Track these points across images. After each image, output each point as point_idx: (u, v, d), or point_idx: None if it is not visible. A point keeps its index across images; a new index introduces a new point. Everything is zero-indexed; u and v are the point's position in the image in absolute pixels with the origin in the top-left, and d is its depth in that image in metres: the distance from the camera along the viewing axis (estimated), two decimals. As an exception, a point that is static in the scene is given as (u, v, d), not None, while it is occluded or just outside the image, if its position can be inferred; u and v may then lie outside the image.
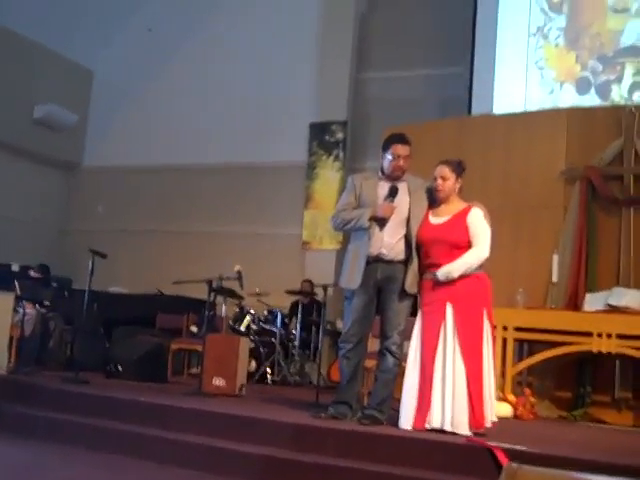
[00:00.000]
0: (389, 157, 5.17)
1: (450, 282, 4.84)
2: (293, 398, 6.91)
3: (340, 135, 12.05)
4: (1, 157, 12.63)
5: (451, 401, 4.70)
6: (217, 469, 4.50)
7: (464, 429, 4.65)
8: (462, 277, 4.84)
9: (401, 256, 5.10)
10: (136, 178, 13.41)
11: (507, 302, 7.21)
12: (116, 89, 13.73)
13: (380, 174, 5.28)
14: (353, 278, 5.11)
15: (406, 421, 4.80)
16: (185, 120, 13.09)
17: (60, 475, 4.31)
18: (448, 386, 4.72)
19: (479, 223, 4.91)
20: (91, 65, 14.05)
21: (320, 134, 12.15)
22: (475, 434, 4.62)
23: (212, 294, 7.32)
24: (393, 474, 4.14)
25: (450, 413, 4.69)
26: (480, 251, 4.85)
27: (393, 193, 5.09)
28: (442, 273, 4.85)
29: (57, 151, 13.57)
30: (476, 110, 10.17)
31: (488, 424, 4.73)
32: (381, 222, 5.07)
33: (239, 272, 7.82)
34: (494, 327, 6.66)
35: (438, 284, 4.88)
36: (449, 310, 4.82)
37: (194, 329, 9.19)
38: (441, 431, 4.67)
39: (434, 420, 4.72)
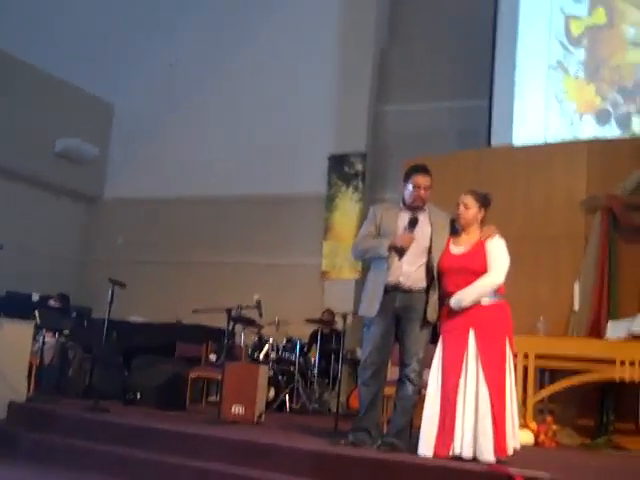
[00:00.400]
0: (410, 187, 5.20)
1: (472, 309, 4.83)
2: (312, 426, 6.87)
3: (359, 167, 12.09)
4: (23, 189, 12.78)
5: (472, 428, 4.66)
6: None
7: (489, 455, 4.60)
8: (484, 304, 4.83)
9: (419, 285, 5.11)
10: (156, 209, 13.51)
11: (528, 330, 7.17)
12: (136, 122, 13.88)
13: (401, 205, 5.31)
14: (372, 306, 5.12)
15: (427, 448, 4.74)
16: (204, 152, 13.19)
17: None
18: (469, 412, 4.68)
19: (496, 249, 4.93)
20: (112, 99, 14.22)
21: (339, 166, 12.19)
22: (498, 461, 4.56)
23: (231, 323, 7.31)
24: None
25: (470, 440, 4.64)
26: (494, 277, 4.85)
27: (413, 224, 5.12)
28: (454, 301, 4.87)
29: (78, 183, 13.71)
30: (495, 142, 10.19)
31: (510, 451, 4.67)
32: (400, 251, 5.08)
33: (258, 301, 7.84)
34: (515, 355, 6.66)
35: (460, 311, 4.86)
36: (471, 336, 4.80)
37: (213, 358, 9.17)
38: (461, 459, 4.61)
39: (457, 447, 4.67)
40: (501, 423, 4.64)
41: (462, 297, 4.84)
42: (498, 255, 4.90)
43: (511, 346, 4.83)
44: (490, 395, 4.67)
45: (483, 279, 4.83)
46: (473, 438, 4.64)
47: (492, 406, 4.65)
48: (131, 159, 13.94)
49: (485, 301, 4.84)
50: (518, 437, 4.78)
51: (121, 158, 14.11)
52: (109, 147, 14.35)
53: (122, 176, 14.00)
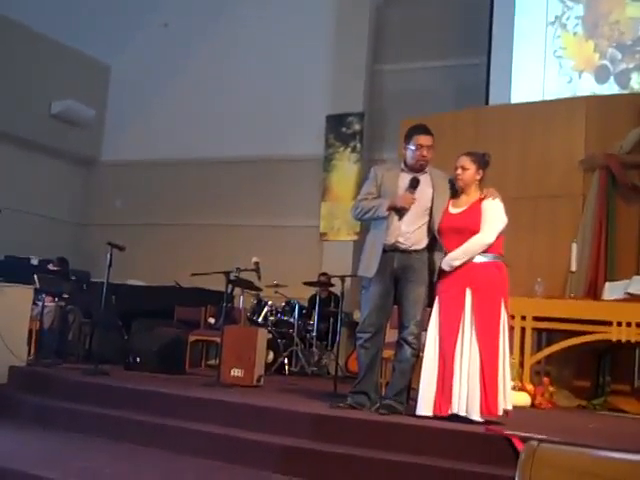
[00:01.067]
0: (412, 148, 5.18)
1: (469, 268, 4.86)
2: (311, 388, 6.92)
3: (357, 127, 12.01)
4: (20, 153, 12.72)
5: (466, 387, 4.71)
6: (236, 459, 4.52)
7: (475, 414, 4.66)
8: (481, 262, 4.85)
9: (419, 245, 5.11)
10: (154, 172, 13.46)
11: (525, 292, 7.18)
12: (133, 84, 13.77)
13: (402, 166, 5.30)
14: (370, 266, 5.13)
15: (425, 407, 4.79)
16: (202, 114, 13.10)
17: (80, 465, 4.33)
18: (464, 372, 4.73)
19: (491, 209, 4.92)
20: (108, 60, 14.09)
21: (337, 126, 12.11)
22: (488, 421, 4.61)
23: (230, 286, 7.34)
24: (411, 463, 4.13)
25: (465, 398, 4.70)
26: (483, 237, 4.86)
27: (414, 184, 5.11)
28: (445, 262, 4.91)
29: (75, 146, 13.64)
30: (493, 101, 10.11)
31: (500, 412, 4.72)
32: (400, 212, 5.07)
33: (257, 264, 7.83)
34: (511, 317, 6.69)
35: (456, 271, 4.89)
36: (468, 296, 4.83)
37: (212, 321, 9.23)
38: (458, 417, 4.67)
39: (454, 406, 4.72)
40: (491, 384, 4.68)
41: (452, 257, 4.88)
42: (491, 215, 4.90)
43: (506, 307, 4.84)
44: (481, 355, 4.70)
45: (472, 239, 4.85)
46: (466, 397, 4.70)
47: (482, 366, 4.69)
48: (128, 121, 13.85)
49: (482, 259, 4.85)
50: (510, 399, 4.81)
51: (118, 120, 14.01)
52: (106, 109, 14.24)
53: (120, 138, 13.92)
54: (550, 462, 2.13)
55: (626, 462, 2.11)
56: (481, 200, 4.96)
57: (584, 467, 2.09)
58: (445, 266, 4.90)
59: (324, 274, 10.09)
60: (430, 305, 5.04)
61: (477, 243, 4.85)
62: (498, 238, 4.92)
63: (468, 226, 4.90)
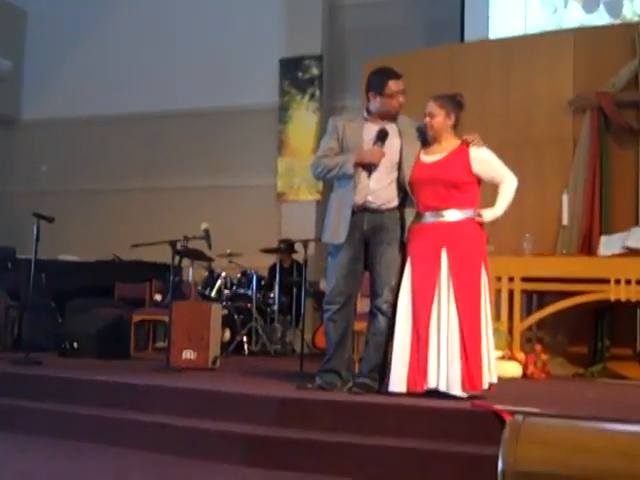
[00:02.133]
0: (386, 97, 5.15)
1: (444, 225, 4.91)
2: (275, 369, 6.94)
3: (315, 71, 11.96)
4: None
5: (445, 359, 4.74)
6: (192, 452, 4.51)
7: (457, 389, 4.71)
8: (456, 220, 4.90)
9: (390, 204, 5.13)
10: (84, 131, 13.28)
11: (513, 250, 7.25)
12: (55, 31, 13.48)
13: (365, 114, 5.29)
14: (338, 231, 5.12)
15: (398, 382, 4.83)
16: (138, 63, 12.92)
17: (15, 468, 4.27)
18: (444, 342, 4.76)
19: (491, 158, 5.01)
20: (25, 4, 13.79)
21: (292, 71, 12.06)
22: (472, 396, 4.65)
23: (177, 257, 7.30)
24: (390, 447, 4.15)
25: (445, 372, 4.73)
26: (512, 182, 5.00)
27: (382, 137, 5.11)
28: (488, 217, 4.97)
29: (-9, 103, 13.41)
30: (470, 36, 10.12)
31: (485, 385, 4.77)
32: (368, 168, 5.06)
33: (206, 231, 7.77)
34: (498, 279, 6.74)
35: (430, 229, 4.92)
36: (444, 257, 4.87)
37: (158, 297, 9.18)
38: (438, 393, 4.71)
39: (431, 380, 4.76)
40: (474, 354, 4.72)
41: (494, 214, 4.98)
42: (494, 162, 5.00)
43: (486, 269, 4.89)
44: (460, 323, 4.74)
45: (505, 188, 4.97)
46: (446, 370, 4.73)
47: (462, 335, 4.73)
48: (51, 74, 13.60)
49: (457, 216, 4.90)
50: (495, 370, 4.86)
51: (39, 73, 13.75)
52: (24, 60, 13.97)
53: (41, 94, 13.68)
54: (537, 438, 2.13)
55: (627, 434, 2.10)
56: (463, 147, 4.97)
57: (576, 441, 2.09)
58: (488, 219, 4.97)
59: (285, 240, 10.08)
60: (401, 268, 5.05)
61: (512, 189, 4.98)
62: (474, 190, 4.96)
63: (443, 176, 4.92)
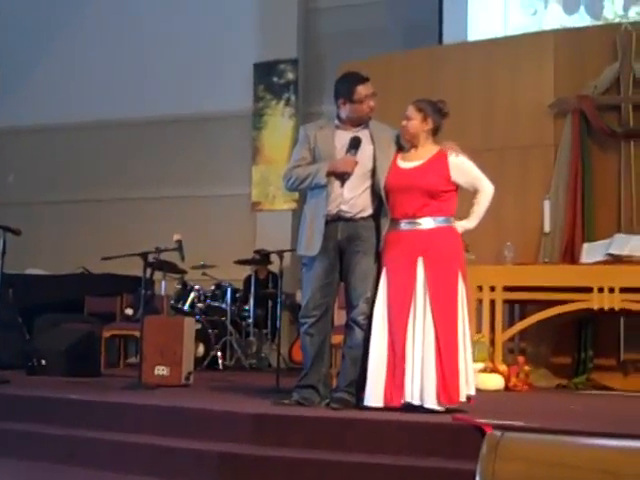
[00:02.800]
0: (356, 103, 5.18)
1: (420, 233, 4.94)
2: (250, 385, 6.96)
3: (290, 75, 11.98)
4: None
5: (420, 371, 4.78)
6: (166, 472, 4.50)
7: (432, 402, 4.72)
8: (433, 227, 4.95)
9: (365, 212, 5.16)
10: (51, 139, 13.21)
11: (493, 258, 7.29)
12: (21, 39, 13.40)
13: (337, 122, 5.32)
14: (312, 243, 5.15)
15: (375, 397, 4.85)
16: (104, 69, 12.86)
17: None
18: (418, 353, 4.79)
19: (467, 164, 5.04)
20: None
21: (267, 76, 12.07)
22: (449, 409, 4.68)
23: (148, 270, 7.29)
24: (370, 464, 4.16)
25: (419, 384, 4.76)
26: (488, 190, 5.06)
27: (355, 145, 5.14)
28: (461, 228, 5.06)
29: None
30: (448, 38, 10.16)
31: (463, 398, 4.79)
32: (341, 177, 5.10)
33: (179, 242, 7.76)
34: (478, 288, 6.79)
35: (406, 237, 4.97)
36: (420, 266, 4.89)
37: (129, 312, 9.15)
38: (415, 407, 4.73)
39: (407, 393, 4.78)
40: (450, 366, 4.74)
41: (468, 226, 5.07)
42: (473, 168, 5.05)
43: (464, 278, 4.92)
44: (437, 333, 4.77)
45: (481, 198, 5.03)
46: (420, 382, 4.76)
47: (439, 347, 4.75)
48: (15, 81, 13.53)
49: (432, 224, 4.95)
50: (473, 382, 4.89)
51: (3, 80, 13.69)
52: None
53: (6, 101, 13.61)
54: (516, 454, 2.13)
55: (610, 450, 2.10)
56: (441, 154, 5.02)
57: (557, 458, 2.08)
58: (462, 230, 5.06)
59: (260, 250, 10.08)
60: (377, 278, 5.08)
61: (488, 200, 5.05)
62: (452, 197, 5.01)
63: (420, 184, 4.95)
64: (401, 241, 4.99)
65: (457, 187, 5.03)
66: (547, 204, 7.66)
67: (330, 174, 5.10)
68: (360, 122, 5.25)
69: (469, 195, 5.10)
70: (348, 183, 5.12)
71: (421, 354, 4.78)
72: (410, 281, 4.88)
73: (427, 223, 4.95)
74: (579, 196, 7.88)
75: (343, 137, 5.21)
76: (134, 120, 12.65)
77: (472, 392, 4.87)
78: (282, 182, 5.48)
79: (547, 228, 7.66)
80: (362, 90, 5.19)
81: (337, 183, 5.11)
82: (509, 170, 8.16)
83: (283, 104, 11.98)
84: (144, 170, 12.56)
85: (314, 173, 5.16)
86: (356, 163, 5.10)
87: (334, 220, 5.14)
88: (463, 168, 5.02)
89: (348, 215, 5.14)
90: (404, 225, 5.01)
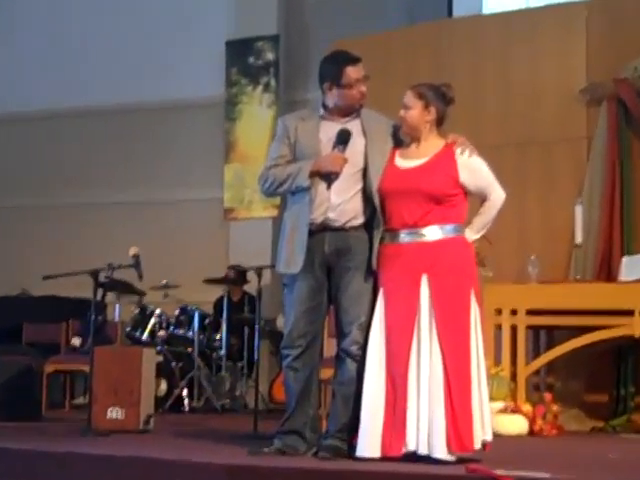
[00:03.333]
0: (344, 88, 5.18)
1: (424, 246, 4.91)
2: (223, 430, 6.95)
3: (270, 56, 11.99)
4: None
5: (426, 413, 4.77)
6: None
7: (441, 452, 4.68)
8: (439, 238, 4.92)
9: (356, 220, 5.12)
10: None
11: (515, 276, 7.31)
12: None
13: (322, 112, 5.30)
14: (293, 258, 5.11)
15: (370, 446, 4.83)
16: (47, 50, 12.86)
17: None
18: (423, 391, 4.77)
19: (482, 167, 5.02)
20: None
21: (242, 56, 12.09)
22: (462, 459, 4.67)
23: (100, 291, 7.29)
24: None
25: (426, 430, 4.74)
26: (499, 195, 5.03)
27: (344, 139, 5.11)
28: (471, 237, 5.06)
29: None
30: (459, 11, 10.21)
31: (478, 445, 4.78)
32: (328, 178, 5.08)
33: (136, 257, 7.76)
34: (498, 312, 6.80)
35: (406, 251, 4.94)
36: (424, 285, 4.87)
37: (76, 342, 9.16)
38: (419, 457, 4.69)
39: (410, 441, 4.76)
40: (462, 406, 4.71)
41: (476, 230, 5.06)
42: (484, 168, 5.02)
43: (477, 299, 4.92)
44: (445, 367, 4.74)
45: (489, 206, 5.00)
46: (428, 427, 4.75)
47: (448, 382, 4.72)
48: None
49: (440, 235, 4.92)
50: (489, 425, 4.87)
51: None
52: None
53: None
54: None
55: None
56: (448, 151, 5.01)
57: None
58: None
59: (234, 267, 10.08)
60: (372, 300, 5.07)
61: (496, 208, 5.03)
62: (461, 202, 5.00)
63: (424, 187, 4.91)
64: (401, 255, 4.95)
65: (466, 191, 5.01)
66: (579, 209, 7.67)
67: (314, 174, 5.07)
68: (349, 111, 5.21)
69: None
70: (336, 185, 5.07)
71: (427, 392, 4.76)
72: (412, 303, 4.86)
73: (432, 233, 4.92)
74: (617, 200, 7.89)
75: (330, 129, 5.18)
76: (82, 110, 12.66)
77: (489, 437, 4.86)
78: (258, 184, 5.42)
79: (579, 239, 7.67)
80: (352, 72, 5.15)
81: (322, 185, 5.06)
82: (532, 169, 8.20)
83: (261, 90, 11.99)
84: (93, 171, 12.54)
85: (295, 173, 5.12)
86: (345, 160, 5.06)
87: (320, 230, 5.11)
88: (474, 170, 4.99)
89: (336, 224, 5.11)
90: (404, 236, 4.98)
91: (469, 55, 8.77)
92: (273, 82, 11.96)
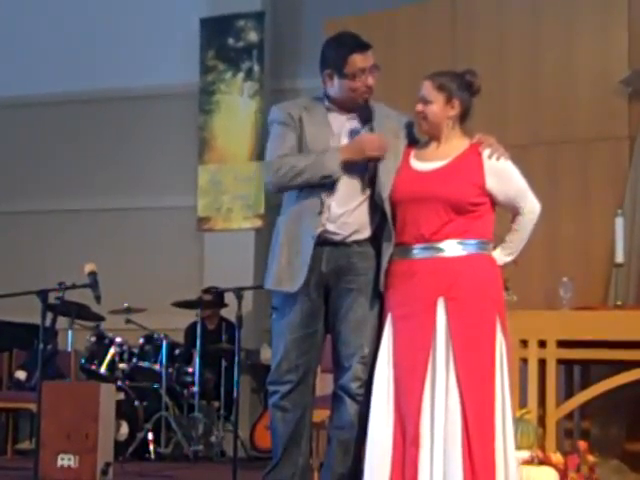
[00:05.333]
0: (348, 79, 5.17)
1: (440, 264, 4.91)
2: (196, 481, 6.96)
3: (253, 36, 12.02)
4: None
5: (441, 461, 4.77)
6: None
7: (458, 505, 4.72)
8: (459, 255, 4.91)
9: (361, 234, 5.12)
10: None
11: (544, 300, 7.30)
12: None
13: (326, 102, 5.29)
14: (290, 274, 5.09)
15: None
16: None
17: None
18: (438, 438, 4.77)
19: (513, 173, 5.03)
20: None
21: (219, 36, 12.12)
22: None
23: (49, 315, 7.28)
24: None
25: (441, 478, 4.75)
26: (536, 212, 5.07)
27: (366, 117, 5.16)
28: (502, 259, 5.07)
29: None
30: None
31: (502, 497, 4.81)
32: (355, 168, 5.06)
33: (93, 275, 7.77)
34: (523, 343, 6.82)
35: (420, 270, 4.93)
36: (441, 311, 4.87)
37: (21, 376, 9.15)
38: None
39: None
40: (484, 455, 4.72)
41: (505, 258, 5.05)
42: (518, 177, 5.04)
43: (503, 328, 4.92)
44: (464, 410, 4.74)
45: (523, 219, 5.02)
46: (443, 475, 4.75)
47: (467, 428, 4.73)
48: None
49: (460, 251, 4.92)
50: (516, 478, 4.89)
51: None
52: None
53: None
54: None
55: None
56: (473, 151, 5.00)
57: None
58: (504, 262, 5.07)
59: (209, 289, 10.07)
60: (378, 329, 5.07)
61: (532, 222, 5.05)
62: (486, 213, 5.00)
63: (444, 193, 4.91)
64: (415, 275, 4.95)
65: (494, 200, 5.01)
66: (620, 222, 7.66)
67: (348, 161, 5.03)
68: (351, 105, 5.21)
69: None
70: (339, 192, 5.09)
71: (442, 440, 4.77)
72: (427, 332, 4.86)
73: (451, 249, 4.92)
74: (666, 211, 7.96)
75: (339, 121, 5.21)
76: (33, 99, 12.70)
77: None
78: (266, 177, 5.31)
79: (620, 257, 7.67)
80: (359, 60, 5.13)
81: (321, 191, 5.06)
82: (564, 173, 8.23)
83: (242, 77, 12.02)
84: (42, 173, 12.57)
85: (320, 160, 5.04)
86: (386, 143, 5.03)
87: (317, 244, 5.07)
88: (504, 176, 4.98)
89: (337, 238, 5.09)
90: (418, 252, 4.97)
91: (490, 36, 8.78)
92: (256, 68, 11.98)
